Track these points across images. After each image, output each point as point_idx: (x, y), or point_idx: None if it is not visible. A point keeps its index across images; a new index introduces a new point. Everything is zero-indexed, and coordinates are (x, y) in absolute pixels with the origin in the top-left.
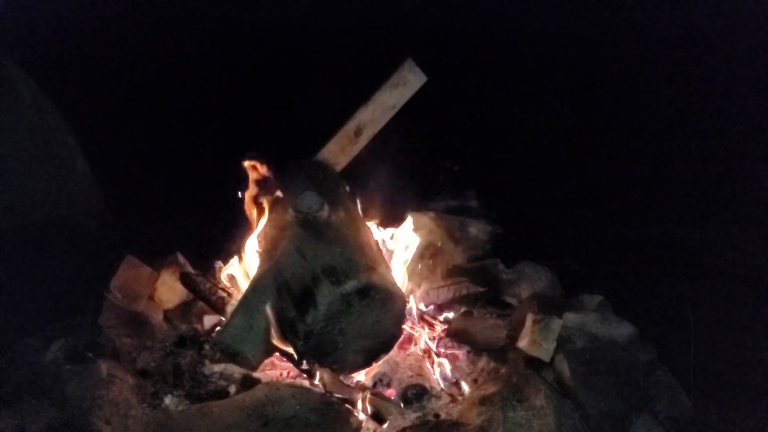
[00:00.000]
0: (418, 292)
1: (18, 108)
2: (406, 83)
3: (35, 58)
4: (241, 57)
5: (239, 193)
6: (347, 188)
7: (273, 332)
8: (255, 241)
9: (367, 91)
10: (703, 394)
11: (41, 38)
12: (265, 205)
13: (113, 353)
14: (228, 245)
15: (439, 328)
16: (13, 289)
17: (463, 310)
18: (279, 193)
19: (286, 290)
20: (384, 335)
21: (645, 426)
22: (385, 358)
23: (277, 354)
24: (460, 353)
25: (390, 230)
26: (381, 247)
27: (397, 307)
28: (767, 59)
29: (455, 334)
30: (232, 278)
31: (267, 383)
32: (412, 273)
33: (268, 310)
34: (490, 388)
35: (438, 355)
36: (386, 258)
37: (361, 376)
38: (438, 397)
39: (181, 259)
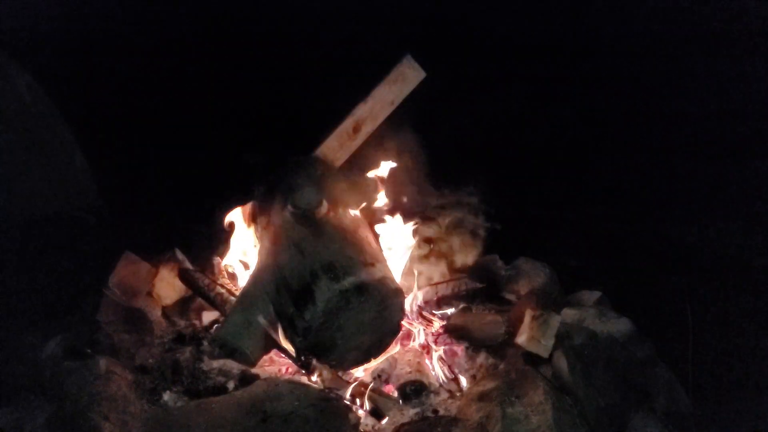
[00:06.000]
0: (417, 289)
1: (16, 104)
2: (405, 79)
3: (33, 54)
4: (240, 54)
5: (239, 189)
6: (345, 184)
7: (271, 329)
8: (254, 238)
9: (366, 87)
10: (701, 391)
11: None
12: (265, 203)
13: (111, 349)
14: (227, 241)
15: (438, 324)
16: (11, 286)
17: (461, 306)
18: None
19: (284, 287)
20: (383, 331)
21: (643, 422)
22: (384, 354)
23: (276, 350)
24: (459, 349)
25: (389, 226)
26: (379, 243)
27: (395, 304)
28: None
29: (454, 330)
30: (230, 274)
31: (265, 379)
32: (410, 269)
33: (267, 307)
34: (489, 384)
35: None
36: (385, 254)
37: (359, 373)
38: (437, 393)
39: (179, 255)
